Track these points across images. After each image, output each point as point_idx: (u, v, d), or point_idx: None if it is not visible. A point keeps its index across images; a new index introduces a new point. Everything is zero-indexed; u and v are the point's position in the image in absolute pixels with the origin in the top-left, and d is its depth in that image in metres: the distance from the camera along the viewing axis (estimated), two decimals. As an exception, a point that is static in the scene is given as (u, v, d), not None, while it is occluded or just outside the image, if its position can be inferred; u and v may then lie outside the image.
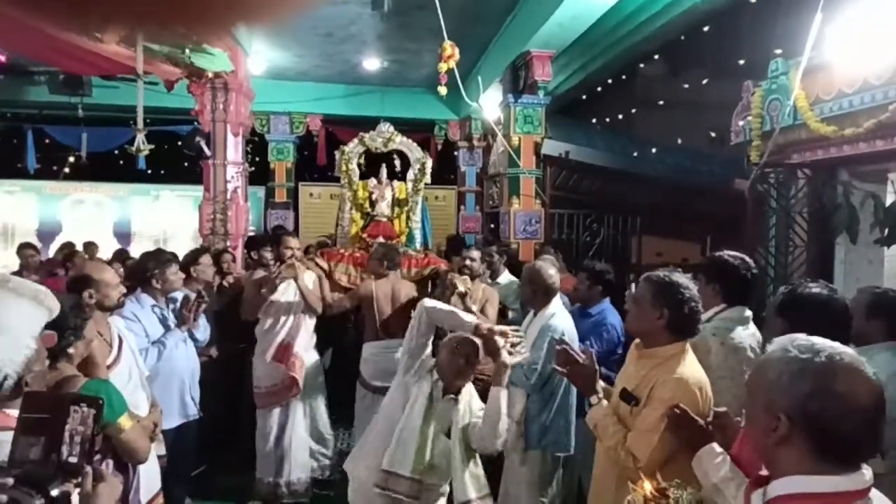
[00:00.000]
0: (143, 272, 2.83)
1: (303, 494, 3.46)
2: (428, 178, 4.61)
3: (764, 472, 1.03)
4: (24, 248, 5.38)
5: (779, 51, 4.27)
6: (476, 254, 3.73)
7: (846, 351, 0.94)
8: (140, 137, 3.77)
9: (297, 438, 3.45)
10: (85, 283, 2.18)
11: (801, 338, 0.99)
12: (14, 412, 1.16)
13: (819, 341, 0.97)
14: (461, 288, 3.26)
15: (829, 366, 0.92)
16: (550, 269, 2.88)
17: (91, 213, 8.76)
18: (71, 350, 1.75)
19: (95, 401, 1.12)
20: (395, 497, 2.03)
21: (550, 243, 5.49)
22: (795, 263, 4.18)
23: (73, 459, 1.06)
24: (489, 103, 6.68)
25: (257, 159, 9.29)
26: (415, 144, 4.70)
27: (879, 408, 0.91)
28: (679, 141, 8.67)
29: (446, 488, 2.20)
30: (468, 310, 3.24)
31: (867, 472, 0.93)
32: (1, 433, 1.15)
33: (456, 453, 2.07)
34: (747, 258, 2.24)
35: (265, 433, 3.42)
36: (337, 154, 4.60)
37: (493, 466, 3.08)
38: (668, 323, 1.80)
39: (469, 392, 2.19)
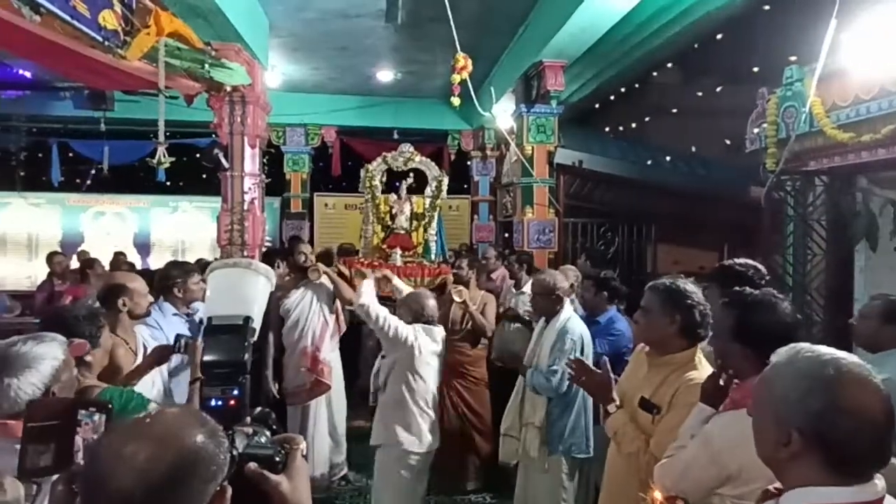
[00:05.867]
0: (166, 280, 2.89)
1: (324, 490, 3.58)
2: (444, 195, 5.03)
3: (773, 486, 1.03)
4: (53, 256, 5.68)
5: (793, 57, 4.24)
6: (465, 262, 4.17)
7: (852, 360, 0.94)
8: (161, 150, 3.86)
9: (319, 436, 3.58)
10: (119, 291, 2.23)
11: (806, 348, 0.99)
12: None
13: (825, 351, 0.97)
14: (457, 298, 3.68)
15: (838, 379, 0.92)
16: (558, 276, 2.96)
17: (112, 224, 8.95)
18: (88, 359, 1.78)
19: (104, 405, 1.14)
20: None
21: (585, 251, 5.74)
22: (814, 272, 4.13)
23: None
24: (502, 113, 6.71)
25: (273, 170, 9.43)
26: (433, 163, 5.16)
27: (889, 418, 0.92)
28: (693, 149, 8.60)
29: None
30: (470, 314, 3.73)
31: (879, 482, 0.93)
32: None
33: None
34: (760, 266, 2.23)
35: (290, 430, 3.52)
36: (362, 172, 5.02)
37: (508, 472, 3.12)
38: (680, 328, 1.80)
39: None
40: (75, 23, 2.87)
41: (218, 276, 1.58)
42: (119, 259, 6.38)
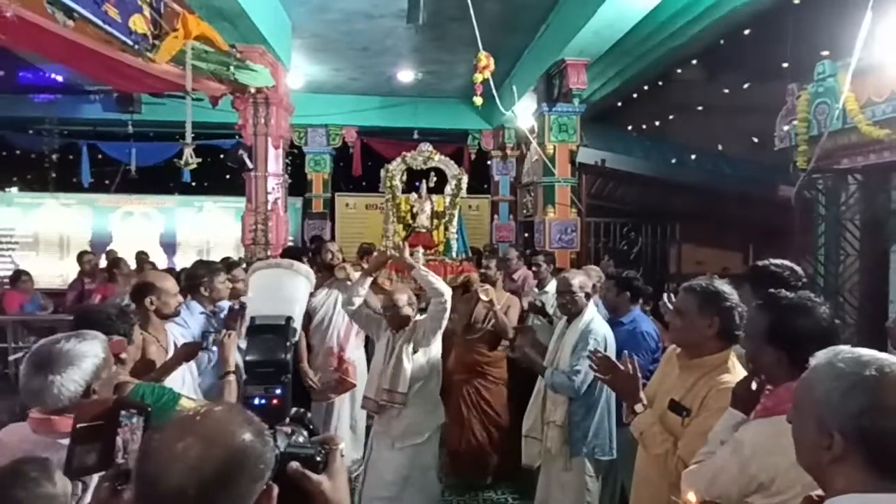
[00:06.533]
0: (193, 279, 2.94)
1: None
2: (464, 193, 5.00)
3: (815, 494, 1.00)
4: (83, 255, 5.86)
5: (825, 52, 4.13)
6: (493, 262, 4.14)
7: (894, 361, 0.92)
8: (188, 151, 3.93)
9: (342, 432, 3.65)
10: (148, 290, 2.28)
11: (846, 350, 0.96)
12: None
13: (865, 353, 0.94)
14: (484, 297, 3.65)
15: (880, 380, 0.89)
16: (580, 276, 2.95)
17: (139, 224, 9.15)
18: (123, 356, 1.82)
19: (144, 408, 1.16)
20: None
21: (609, 253, 5.71)
22: (847, 273, 4.02)
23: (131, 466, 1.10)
24: (523, 112, 6.68)
25: (295, 171, 9.53)
26: (452, 162, 5.13)
27: None
28: (719, 147, 8.45)
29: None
30: (495, 314, 3.72)
31: None
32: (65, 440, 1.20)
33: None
34: (796, 267, 2.17)
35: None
36: (382, 172, 4.99)
37: (530, 472, 3.09)
38: (718, 331, 1.77)
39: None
40: (107, 27, 2.94)
41: (260, 276, 1.62)
42: (142, 258, 6.52)
